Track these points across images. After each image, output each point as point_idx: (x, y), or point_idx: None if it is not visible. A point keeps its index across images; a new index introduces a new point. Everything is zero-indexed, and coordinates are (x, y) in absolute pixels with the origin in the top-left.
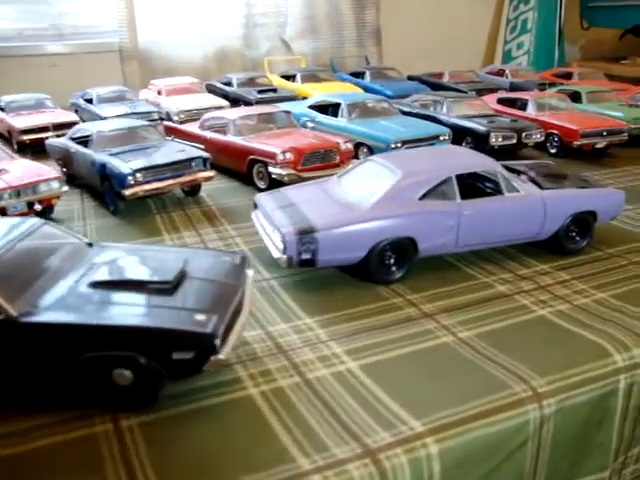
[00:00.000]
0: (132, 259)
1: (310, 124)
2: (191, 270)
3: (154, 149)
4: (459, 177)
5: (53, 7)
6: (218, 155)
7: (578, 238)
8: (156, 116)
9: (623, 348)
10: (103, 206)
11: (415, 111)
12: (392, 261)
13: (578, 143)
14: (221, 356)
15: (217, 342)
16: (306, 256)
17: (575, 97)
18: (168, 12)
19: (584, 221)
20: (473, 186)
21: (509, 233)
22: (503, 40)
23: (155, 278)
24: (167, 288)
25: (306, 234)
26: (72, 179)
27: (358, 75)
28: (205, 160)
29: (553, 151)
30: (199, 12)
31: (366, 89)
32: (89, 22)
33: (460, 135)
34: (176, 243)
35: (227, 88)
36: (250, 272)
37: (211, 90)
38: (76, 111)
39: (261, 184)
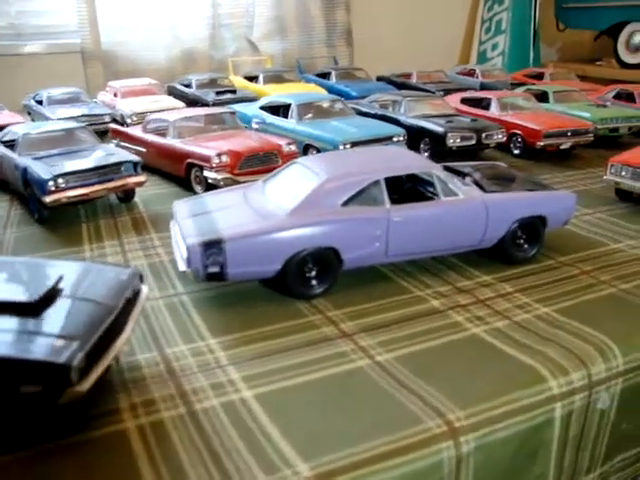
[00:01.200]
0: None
1: (255, 125)
2: (66, 288)
3: (83, 153)
4: (396, 181)
5: (11, 6)
6: (158, 159)
7: (526, 246)
8: (107, 118)
9: (560, 372)
10: (29, 213)
11: (373, 111)
12: (313, 274)
13: (541, 144)
14: (80, 388)
15: (73, 373)
16: (213, 269)
17: (543, 97)
18: (132, 12)
19: (533, 227)
20: (414, 190)
21: (447, 241)
22: (478, 41)
23: (18, 298)
24: (30, 309)
25: (212, 245)
26: (5, 185)
27: (324, 76)
28: (136, 164)
29: (517, 152)
30: (164, 13)
31: (331, 90)
32: (50, 22)
33: (418, 136)
34: (93, 254)
35: (186, 89)
36: (144, 288)
37: (172, 92)
38: (29, 113)
39: (199, 189)
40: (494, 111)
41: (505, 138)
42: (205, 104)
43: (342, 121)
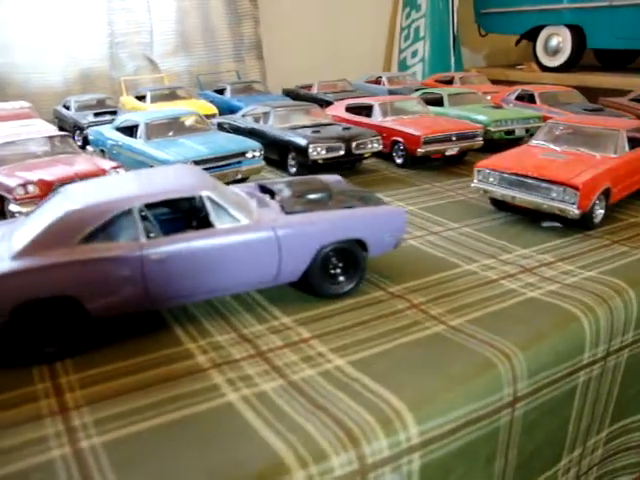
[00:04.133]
0: None
1: (102, 148)
2: None
3: None
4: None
5: None
6: None
7: (342, 278)
8: None
9: (314, 458)
10: None
11: (243, 125)
12: (53, 329)
13: (422, 150)
14: None
15: None
16: None
17: (441, 101)
18: (23, 33)
19: (350, 253)
20: (197, 218)
21: (227, 279)
22: (398, 49)
23: None
24: None
25: None
26: None
27: (222, 92)
28: None
29: (399, 161)
30: (58, 33)
31: (226, 105)
32: None
33: (285, 150)
34: None
35: (65, 112)
36: None
37: (57, 116)
38: None
39: None
40: (376, 118)
41: (381, 146)
42: (81, 127)
43: (193, 139)
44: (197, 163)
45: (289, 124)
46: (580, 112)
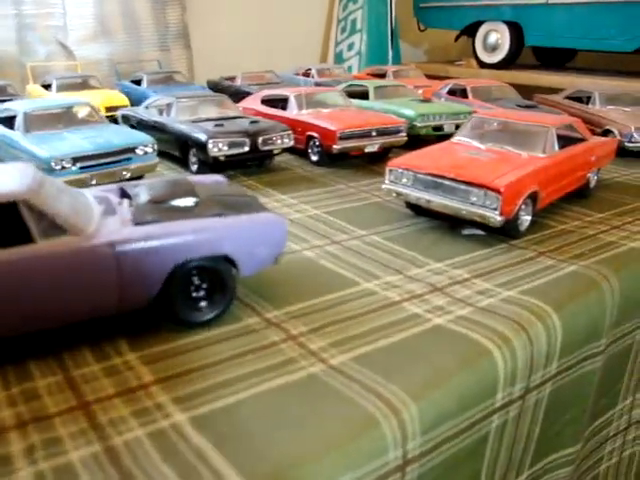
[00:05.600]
0: None
1: None
2: None
3: None
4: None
5: None
6: None
7: (204, 303)
8: None
9: None
10: None
11: (146, 118)
12: None
13: (338, 147)
14: None
15: None
16: None
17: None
18: None
19: (215, 273)
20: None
21: (53, 309)
22: (334, 41)
23: None
24: None
25: None
26: None
27: (140, 82)
28: None
29: (315, 158)
30: None
31: (142, 96)
32: None
33: (187, 145)
34: None
35: None
36: None
37: None
38: None
39: None
40: (292, 110)
41: (292, 142)
42: None
43: (80, 132)
44: (77, 160)
45: (193, 117)
46: (513, 108)
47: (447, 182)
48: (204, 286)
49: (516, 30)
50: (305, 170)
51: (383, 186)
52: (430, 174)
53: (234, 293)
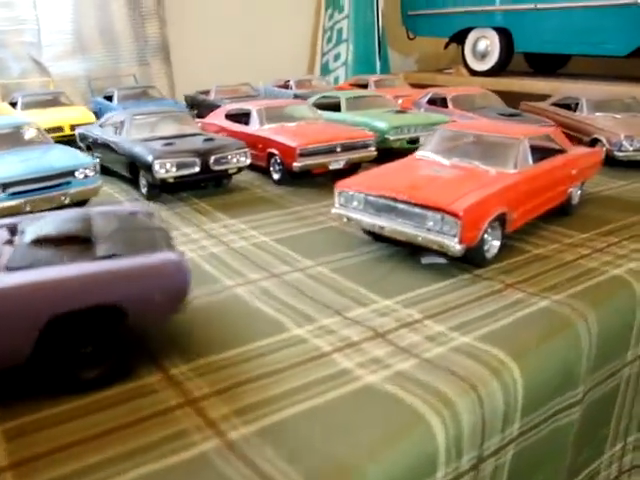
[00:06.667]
0: None
1: None
2: None
3: None
4: None
5: None
6: None
7: (88, 361)
8: None
9: None
10: None
11: (99, 136)
12: None
13: (298, 165)
14: None
15: None
16: None
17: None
18: None
19: (102, 326)
20: None
21: None
22: (320, 51)
23: None
24: None
25: None
26: None
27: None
28: None
29: (276, 177)
30: None
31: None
32: None
33: (136, 166)
34: None
35: None
36: None
37: None
38: None
39: None
40: (254, 126)
41: (249, 161)
42: None
43: (19, 154)
44: (6, 186)
45: (146, 135)
46: (494, 117)
47: (401, 205)
48: (89, 341)
49: (506, 36)
50: (264, 190)
51: (333, 210)
52: (382, 196)
53: (126, 348)
